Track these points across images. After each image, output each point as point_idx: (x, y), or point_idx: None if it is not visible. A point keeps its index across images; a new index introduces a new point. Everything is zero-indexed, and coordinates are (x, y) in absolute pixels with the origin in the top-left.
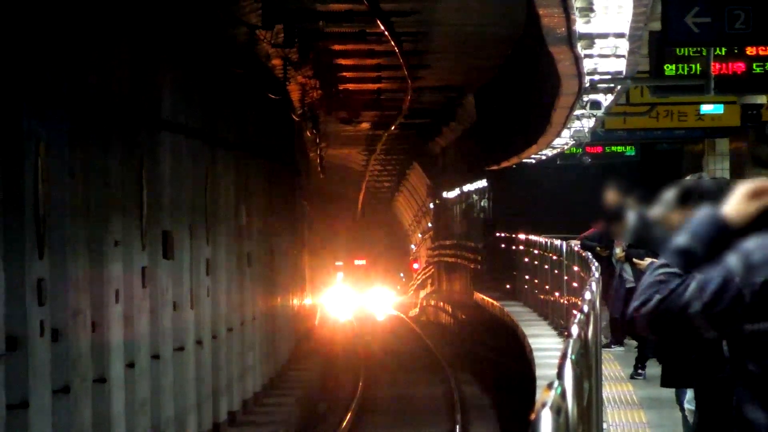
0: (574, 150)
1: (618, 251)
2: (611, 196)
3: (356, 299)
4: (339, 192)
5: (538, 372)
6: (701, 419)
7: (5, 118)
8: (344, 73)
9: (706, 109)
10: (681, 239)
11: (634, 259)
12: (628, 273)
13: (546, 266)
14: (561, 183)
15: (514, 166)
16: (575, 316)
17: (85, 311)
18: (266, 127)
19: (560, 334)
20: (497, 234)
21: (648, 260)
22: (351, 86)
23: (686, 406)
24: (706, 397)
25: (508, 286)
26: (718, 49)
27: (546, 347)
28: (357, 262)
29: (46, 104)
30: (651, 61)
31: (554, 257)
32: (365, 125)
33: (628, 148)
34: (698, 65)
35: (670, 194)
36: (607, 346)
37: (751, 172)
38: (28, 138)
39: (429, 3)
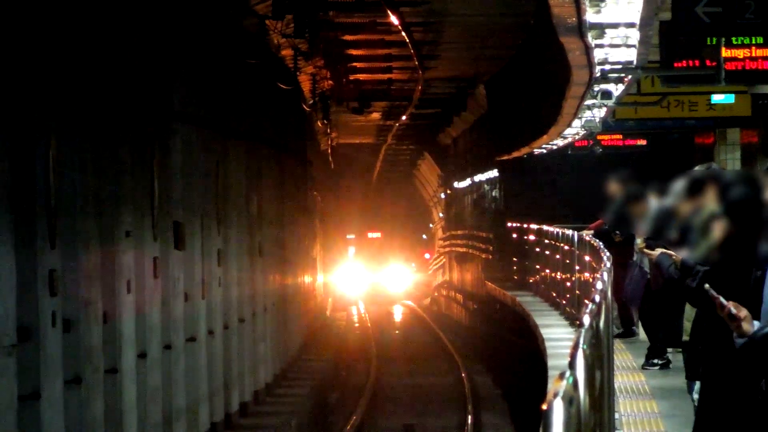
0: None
1: (639, 242)
2: (613, 187)
3: (369, 279)
4: (353, 157)
5: (550, 362)
6: (701, 411)
7: (16, 110)
8: (355, 63)
9: (717, 98)
10: None
11: (645, 250)
12: (647, 264)
13: (557, 256)
14: (572, 173)
15: (525, 156)
16: (587, 305)
17: (97, 302)
18: (277, 117)
19: (572, 324)
20: (508, 224)
21: (659, 250)
22: (361, 76)
23: (694, 396)
24: (710, 390)
25: (519, 276)
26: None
27: (558, 337)
28: (371, 234)
29: (57, 96)
30: (661, 50)
31: (566, 247)
32: (376, 115)
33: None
34: (709, 55)
35: (680, 185)
36: (619, 335)
37: (763, 163)
38: (39, 130)
39: None
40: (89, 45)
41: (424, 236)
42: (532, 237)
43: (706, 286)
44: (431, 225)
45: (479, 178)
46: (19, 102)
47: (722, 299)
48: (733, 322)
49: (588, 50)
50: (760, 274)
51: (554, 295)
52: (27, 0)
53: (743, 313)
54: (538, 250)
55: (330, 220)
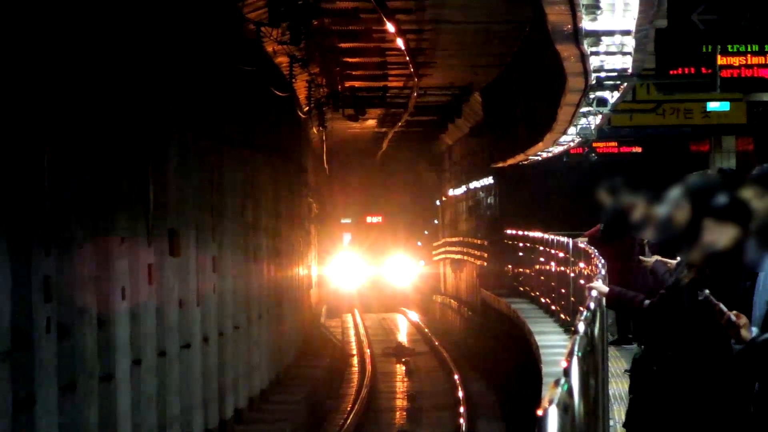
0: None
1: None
2: (603, 196)
3: (367, 273)
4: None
5: (545, 369)
6: (633, 406)
7: (12, 118)
8: (350, 71)
9: (713, 106)
10: None
11: (640, 257)
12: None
13: (552, 263)
14: (567, 180)
15: (521, 164)
16: (582, 312)
17: (92, 308)
18: (273, 124)
19: (567, 331)
20: (503, 231)
21: (654, 258)
22: (357, 83)
23: None
24: (641, 386)
25: (514, 283)
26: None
27: (552, 344)
28: (370, 219)
29: (53, 103)
30: (657, 58)
31: (560, 254)
32: (371, 122)
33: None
34: (704, 62)
35: (675, 192)
36: (614, 342)
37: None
38: (36, 137)
39: (435, 0)
40: (85, 53)
41: (419, 243)
42: (526, 244)
43: (707, 292)
44: (426, 232)
45: (474, 185)
46: (13, 109)
47: (722, 306)
48: (731, 329)
49: (583, 58)
50: (749, 284)
51: (549, 302)
52: (22, 10)
53: (743, 320)
54: (532, 257)
55: (325, 211)
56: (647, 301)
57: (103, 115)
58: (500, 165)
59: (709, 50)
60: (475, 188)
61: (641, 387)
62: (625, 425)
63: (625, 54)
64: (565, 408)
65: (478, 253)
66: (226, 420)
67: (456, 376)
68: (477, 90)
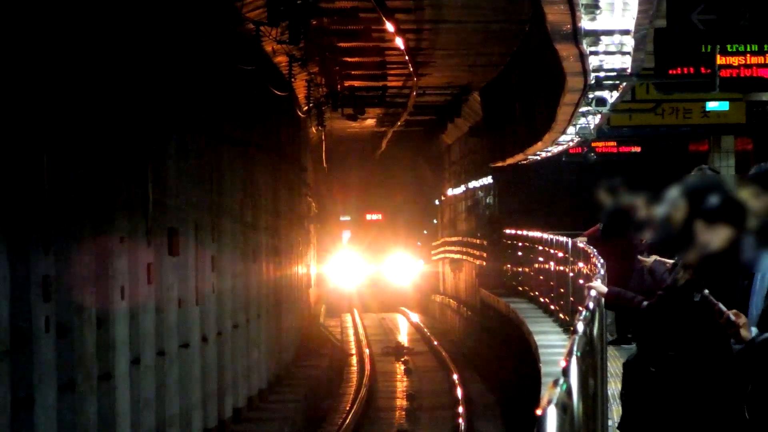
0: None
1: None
2: (602, 196)
3: (366, 272)
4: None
5: (544, 369)
6: (627, 410)
7: (10, 117)
8: (349, 70)
9: (712, 106)
10: None
11: (639, 257)
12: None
13: (551, 262)
14: (566, 180)
15: (520, 163)
16: (581, 312)
17: (91, 307)
18: (272, 123)
19: (566, 331)
20: (502, 230)
21: (653, 258)
22: (356, 83)
23: None
24: (634, 389)
25: (513, 283)
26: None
27: (551, 344)
28: (370, 216)
29: (52, 103)
30: (656, 58)
31: (560, 254)
32: (370, 122)
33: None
34: (704, 62)
35: (674, 192)
36: (613, 342)
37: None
38: (35, 136)
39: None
40: (84, 53)
41: (419, 243)
42: (525, 243)
43: (706, 292)
44: (425, 231)
45: (473, 184)
46: (13, 108)
47: (721, 306)
48: (731, 329)
49: (583, 57)
50: (747, 283)
51: (548, 301)
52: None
53: (742, 320)
54: (532, 256)
55: (324, 210)
56: (645, 302)
57: (102, 115)
58: (499, 164)
59: (709, 50)
60: (474, 188)
61: (637, 388)
62: (619, 426)
63: (624, 54)
64: (564, 408)
65: (477, 252)
66: (225, 419)
67: (455, 376)
68: (476, 89)
